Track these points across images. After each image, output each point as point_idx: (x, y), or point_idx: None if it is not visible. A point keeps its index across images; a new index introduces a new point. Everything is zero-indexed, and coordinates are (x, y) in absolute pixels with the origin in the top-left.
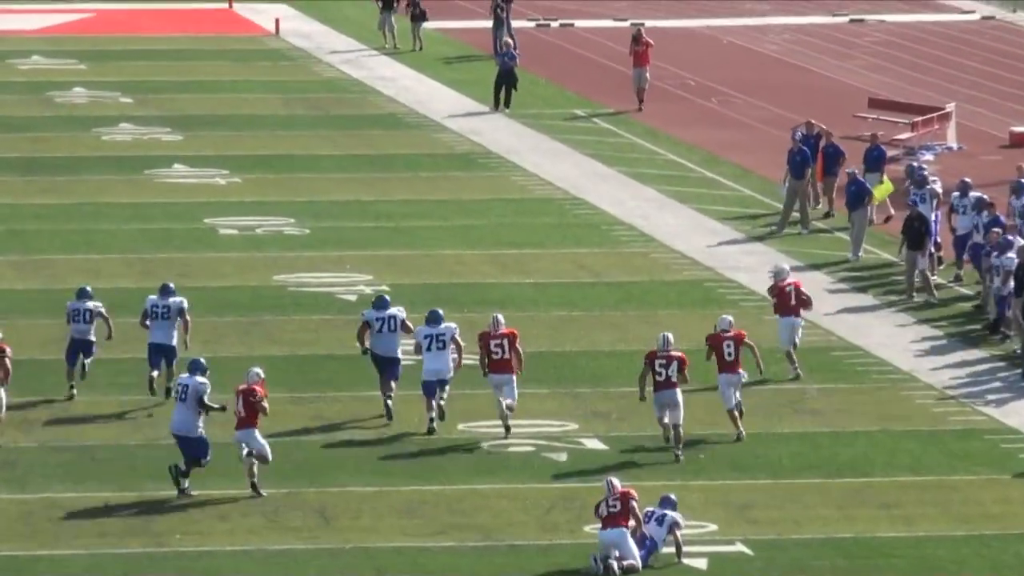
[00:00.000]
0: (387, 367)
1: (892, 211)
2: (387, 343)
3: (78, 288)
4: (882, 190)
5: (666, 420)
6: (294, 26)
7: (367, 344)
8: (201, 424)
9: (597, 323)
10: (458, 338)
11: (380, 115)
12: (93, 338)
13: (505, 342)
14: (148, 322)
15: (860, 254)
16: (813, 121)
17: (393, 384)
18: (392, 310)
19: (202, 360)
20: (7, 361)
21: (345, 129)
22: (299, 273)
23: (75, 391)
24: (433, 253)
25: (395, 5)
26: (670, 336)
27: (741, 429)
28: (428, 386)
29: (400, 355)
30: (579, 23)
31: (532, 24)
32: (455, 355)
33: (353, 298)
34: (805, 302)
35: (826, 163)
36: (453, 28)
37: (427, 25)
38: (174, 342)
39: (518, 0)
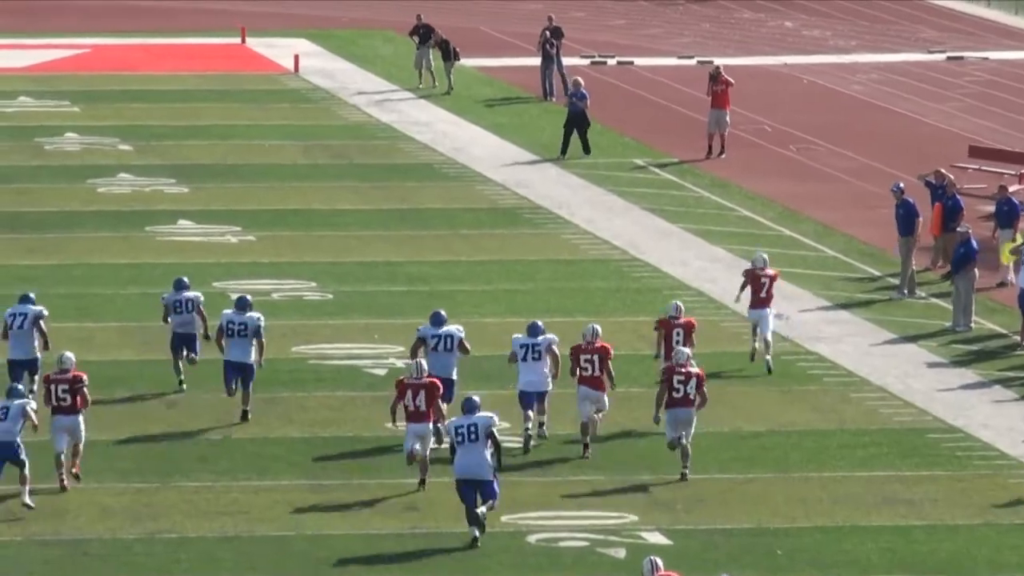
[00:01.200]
0: (539, 398)
1: (1012, 278)
2: (443, 363)
3: (175, 279)
4: (1009, 250)
5: (678, 439)
6: (315, 63)
7: (420, 356)
8: None
9: (651, 401)
10: (555, 349)
11: (413, 164)
12: (196, 332)
13: (596, 358)
14: (224, 340)
15: (971, 324)
16: (943, 170)
17: (444, 409)
18: (450, 327)
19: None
20: (85, 391)
21: (373, 180)
22: (321, 344)
23: (184, 386)
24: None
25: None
26: (687, 351)
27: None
28: (525, 397)
29: (455, 376)
30: (639, 61)
31: (586, 62)
32: (551, 368)
33: (382, 372)
34: (772, 297)
35: (945, 218)
36: (495, 66)
37: (466, 62)
38: (252, 359)
39: (570, 34)
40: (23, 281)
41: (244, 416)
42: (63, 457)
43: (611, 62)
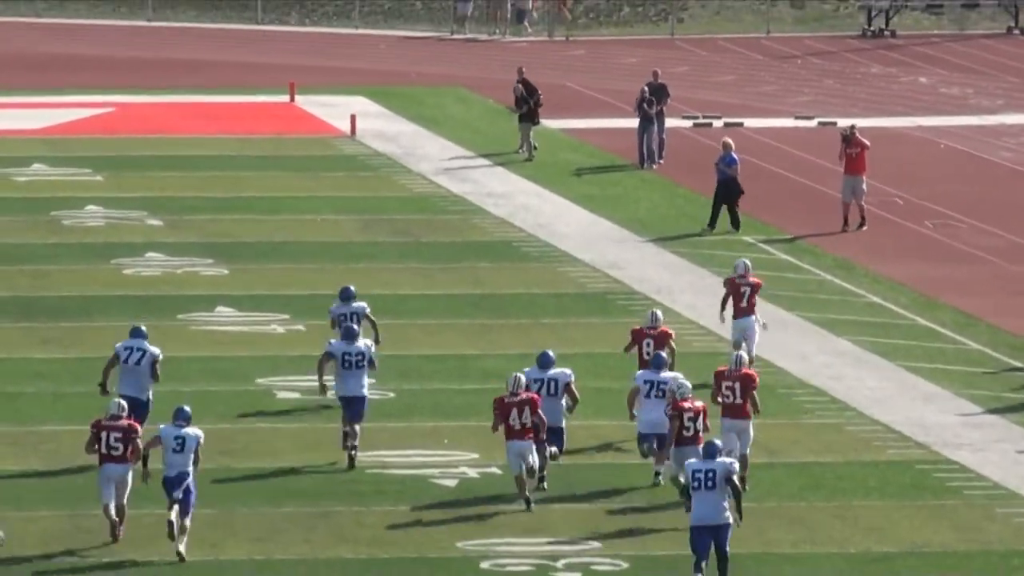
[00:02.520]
0: (549, 436)
1: None
2: (550, 409)
3: (341, 288)
4: None
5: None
6: (376, 125)
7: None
8: None
9: (774, 517)
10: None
11: (489, 243)
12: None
13: (738, 385)
14: (338, 368)
15: None
16: None
17: (556, 452)
18: (555, 371)
19: None
20: (138, 441)
21: (442, 261)
22: (381, 450)
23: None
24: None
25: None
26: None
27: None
28: (645, 439)
29: (564, 425)
30: (750, 122)
31: (688, 123)
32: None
33: (452, 483)
34: (755, 305)
35: None
36: (584, 128)
37: (551, 124)
38: (365, 391)
39: (672, 91)
40: (37, 377)
41: (351, 462)
42: (111, 509)
43: (717, 124)
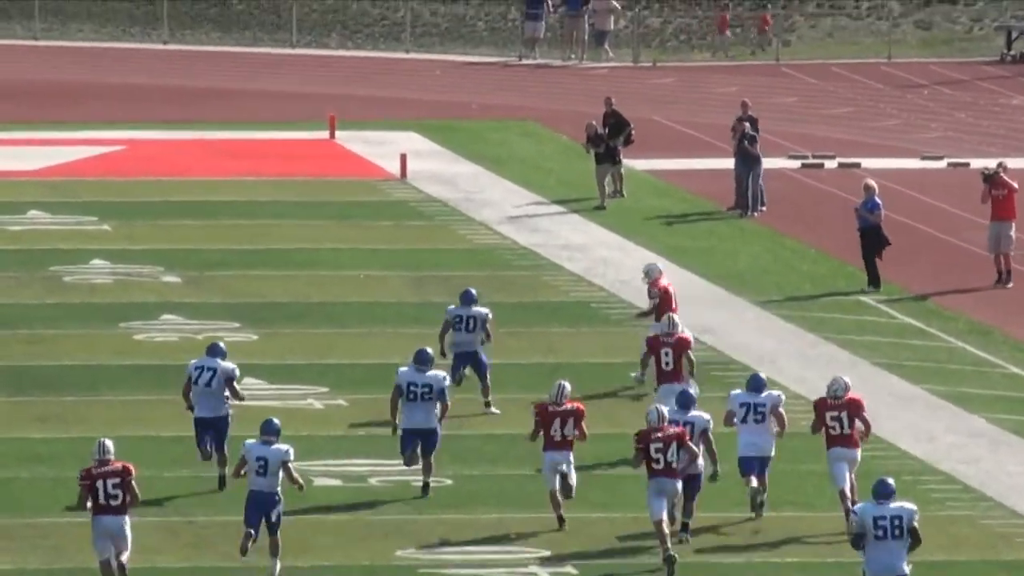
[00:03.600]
0: (686, 486)
1: None
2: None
3: (463, 291)
4: None
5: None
6: (430, 166)
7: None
8: None
9: None
10: (782, 410)
11: (563, 304)
12: (479, 350)
13: (845, 414)
14: (402, 400)
15: None
16: None
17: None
18: (694, 414)
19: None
20: (134, 484)
21: (508, 324)
22: (436, 547)
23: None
24: (642, 517)
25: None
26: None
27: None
28: (747, 463)
29: (701, 470)
30: (868, 162)
31: (796, 163)
32: (777, 428)
33: None
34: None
35: None
36: (672, 169)
37: (634, 164)
38: (435, 424)
39: (776, 126)
40: (34, 460)
41: (424, 489)
42: (112, 565)
43: (829, 164)
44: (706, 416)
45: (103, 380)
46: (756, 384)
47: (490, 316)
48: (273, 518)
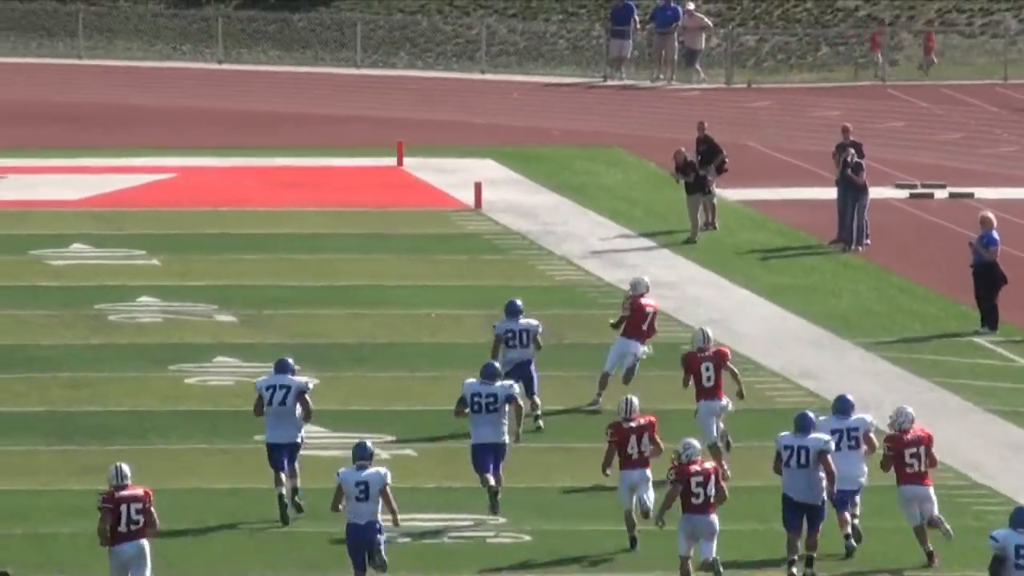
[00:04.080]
0: (810, 514)
1: None
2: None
3: (508, 301)
4: None
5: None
6: (507, 196)
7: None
8: None
9: None
10: (872, 436)
11: (654, 345)
12: (532, 362)
13: (923, 449)
14: (469, 413)
15: None
16: None
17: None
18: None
19: None
20: (152, 510)
21: (592, 368)
22: None
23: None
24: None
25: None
26: (694, 443)
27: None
28: (839, 498)
29: (824, 500)
30: (982, 192)
31: (903, 193)
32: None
33: None
34: (654, 330)
35: None
36: (771, 200)
37: (728, 194)
38: (504, 438)
39: (881, 153)
40: (76, 514)
41: (494, 501)
42: None
43: (940, 194)
44: (825, 438)
45: (151, 427)
46: (844, 406)
47: (540, 328)
48: (376, 548)
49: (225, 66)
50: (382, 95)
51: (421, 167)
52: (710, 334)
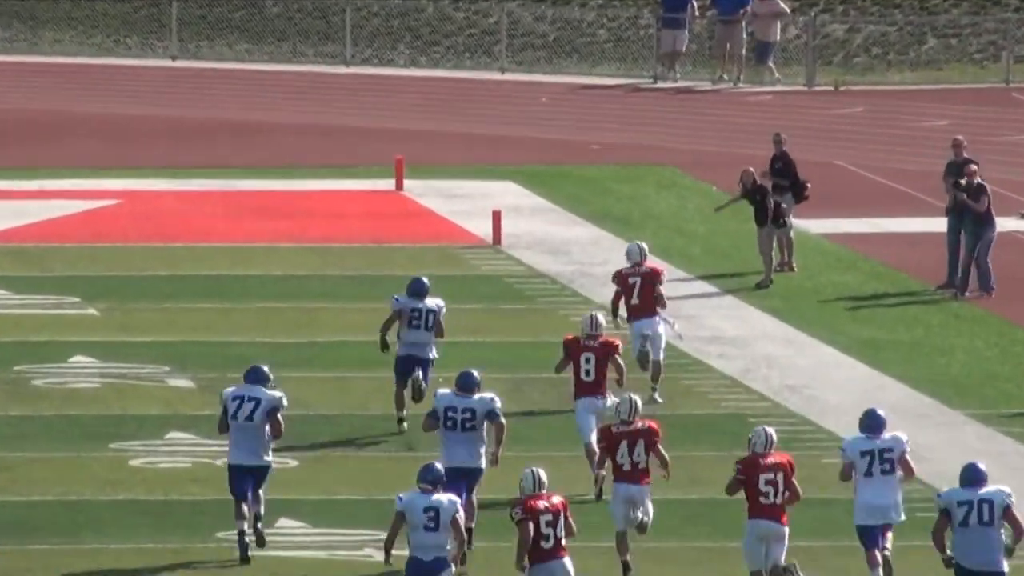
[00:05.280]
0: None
1: None
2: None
3: (413, 279)
4: None
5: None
6: (533, 228)
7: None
8: None
9: None
10: (910, 460)
11: (713, 417)
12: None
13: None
14: (441, 430)
15: None
16: None
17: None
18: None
19: None
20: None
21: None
22: None
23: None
24: None
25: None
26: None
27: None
28: (867, 533)
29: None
30: None
31: None
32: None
33: None
34: (659, 298)
35: None
36: (862, 233)
37: (810, 226)
38: (481, 462)
39: (1005, 172)
40: None
41: (468, 536)
42: None
43: None
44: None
45: (85, 522)
46: (874, 422)
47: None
48: None
49: (180, 63)
50: (377, 99)
51: (425, 191)
52: (601, 320)
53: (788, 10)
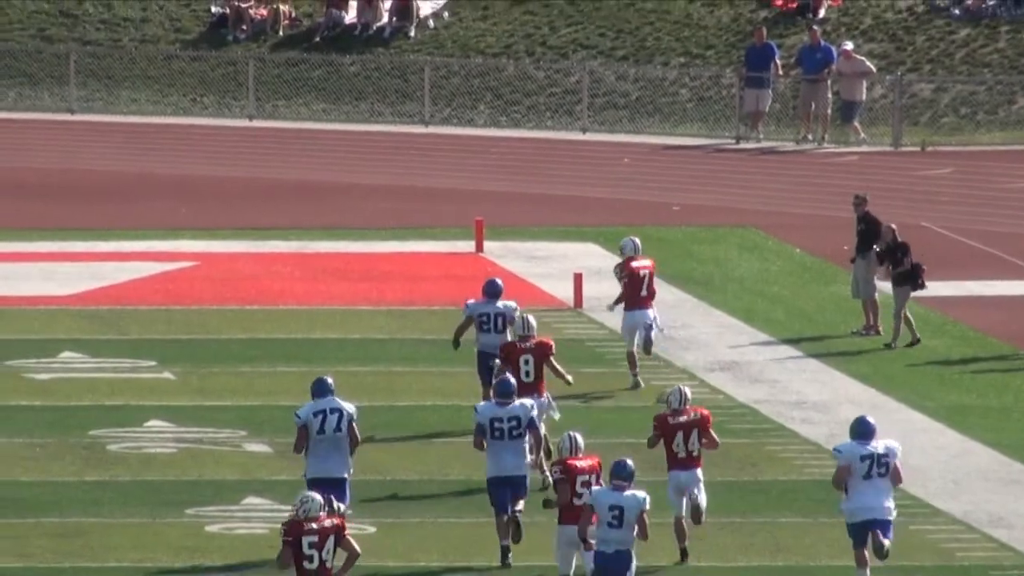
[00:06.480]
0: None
1: None
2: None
3: (487, 280)
4: None
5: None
6: (614, 291)
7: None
8: None
9: None
10: (899, 467)
11: (795, 484)
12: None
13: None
14: (488, 441)
15: None
16: None
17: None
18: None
19: None
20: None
21: (722, 513)
22: None
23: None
24: None
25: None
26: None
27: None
28: (860, 530)
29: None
30: None
31: None
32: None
33: None
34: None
35: None
36: (952, 296)
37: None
38: (527, 470)
39: None
40: None
41: (516, 529)
42: None
43: None
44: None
45: None
46: (865, 429)
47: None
48: None
49: (257, 123)
50: (456, 160)
51: (505, 253)
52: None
53: (874, 69)
